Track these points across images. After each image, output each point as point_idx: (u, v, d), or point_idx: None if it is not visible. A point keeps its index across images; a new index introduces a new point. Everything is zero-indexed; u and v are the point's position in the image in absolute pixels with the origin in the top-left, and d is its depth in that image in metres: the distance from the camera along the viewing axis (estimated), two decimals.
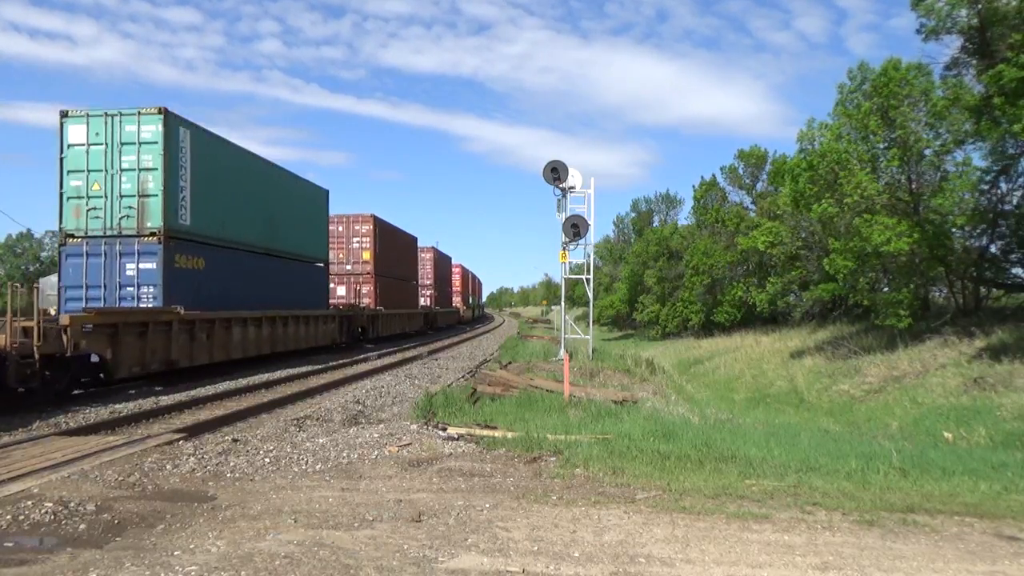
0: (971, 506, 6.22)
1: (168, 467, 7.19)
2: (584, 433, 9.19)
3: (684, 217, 59.35)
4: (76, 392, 13.88)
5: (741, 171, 41.79)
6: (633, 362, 21.75)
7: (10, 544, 5.00)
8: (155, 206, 15.89)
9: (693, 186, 43.35)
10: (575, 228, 20.45)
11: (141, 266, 15.83)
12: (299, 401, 14.01)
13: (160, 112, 15.92)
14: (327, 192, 27.93)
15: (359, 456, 7.95)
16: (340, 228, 32.78)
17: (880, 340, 22.09)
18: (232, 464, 7.44)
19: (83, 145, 15.95)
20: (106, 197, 15.97)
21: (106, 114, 15.96)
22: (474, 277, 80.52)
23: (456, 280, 63.68)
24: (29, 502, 5.81)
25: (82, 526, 5.39)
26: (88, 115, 16.00)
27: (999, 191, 20.82)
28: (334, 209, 29.81)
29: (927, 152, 20.54)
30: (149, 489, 6.47)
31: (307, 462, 7.63)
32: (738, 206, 40.46)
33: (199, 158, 17.24)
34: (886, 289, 23.55)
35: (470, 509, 5.89)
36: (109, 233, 15.94)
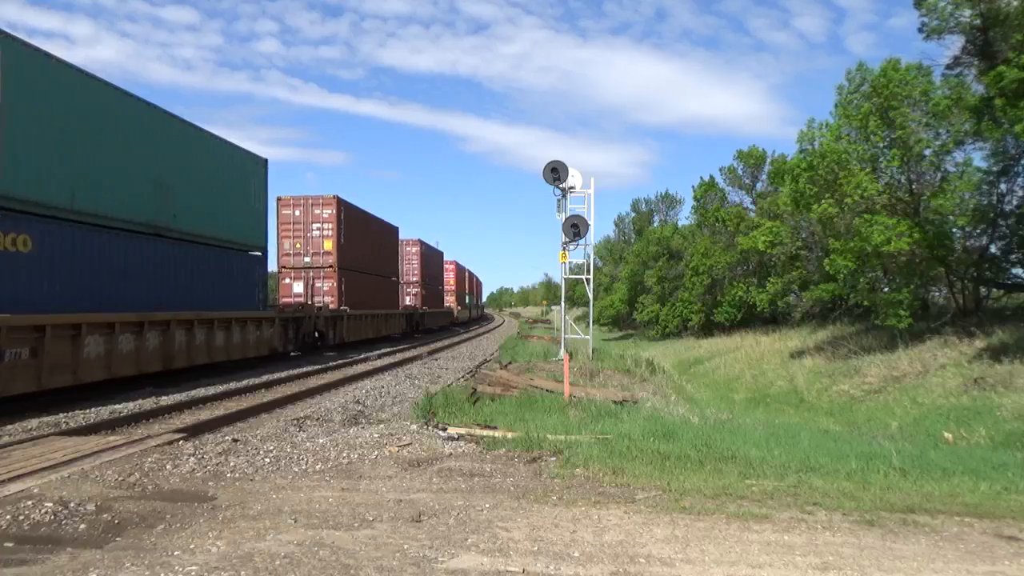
0: (971, 506, 6.22)
1: (168, 467, 7.19)
2: (584, 433, 9.19)
3: (684, 217, 59.50)
4: None
5: (740, 171, 41.80)
6: (633, 362, 21.75)
7: (10, 544, 4.99)
8: None
9: (693, 186, 43.37)
10: (575, 228, 20.46)
11: None
12: (299, 401, 14.01)
13: None
14: (264, 162, 21.71)
15: (359, 456, 7.95)
16: (297, 212, 27.99)
17: (880, 340, 22.09)
18: (232, 464, 7.44)
19: None
20: None
21: None
22: (471, 276, 76.01)
23: (449, 278, 59.70)
24: (29, 502, 5.81)
25: (82, 526, 5.39)
26: None
27: (999, 191, 20.84)
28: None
29: (927, 152, 20.55)
30: (149, 489, 6.47)
31: (307, 462, 7.63)
32: (738, 206, 40.46)
33: (26, 87, 12.17)
34: (886, 289, 23.55)
35: (470, 509, 5.89)
36: None
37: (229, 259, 19.46)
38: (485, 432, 9.37)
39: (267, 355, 20.93)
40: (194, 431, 9.91)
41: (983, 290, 22.77)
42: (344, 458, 7.84)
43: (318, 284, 27.92)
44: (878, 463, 7.65)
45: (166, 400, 13.29)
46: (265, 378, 17.04)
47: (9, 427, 10.31)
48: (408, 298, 43.31)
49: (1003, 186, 20.87)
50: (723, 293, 37.26)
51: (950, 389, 15.93)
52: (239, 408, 12.46)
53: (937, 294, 25.07)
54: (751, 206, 40.47)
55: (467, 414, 11.19)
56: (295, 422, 10.89)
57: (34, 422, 10.80)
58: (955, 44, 21.03)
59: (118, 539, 5.13)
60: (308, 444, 8.52)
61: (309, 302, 26.13)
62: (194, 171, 17.75)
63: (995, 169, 20.50)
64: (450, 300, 58.95)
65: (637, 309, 49.32)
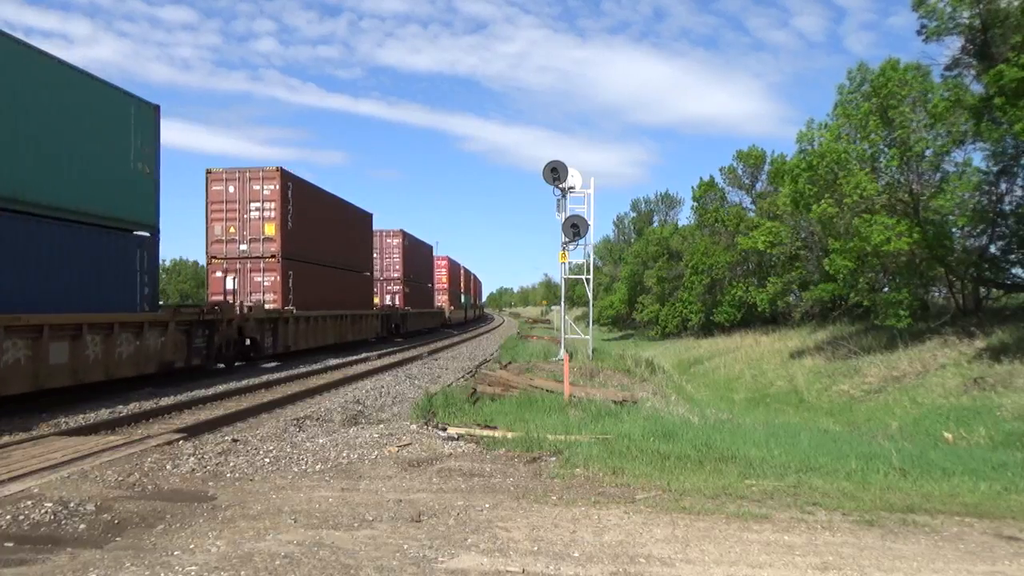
0: (971, 506, 6.22)
1: (168, 467, 7.19)
2: (584, 433, 9.19)
3: (684, 217, 59.56)
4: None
5: (740, 172, 41.82)
6: (633, 362, 21.75)
7: (10, 544, 4.99)
8: None
9: (692, 186, 43.40)
10: (575, 228, 20.46)
11: None
12: (299, 401, 14.01)
13: None
14: (154, 109, 15.89)
15: (359, 456, 7.95)
16: (231, 188, 22.37)
17: (880, 340, 22.10)
18: (232, 464, 7.44)
19: None
20: None
21: None
22: (468, 274, 70.70)
23: (440, 275, 54.11)
24: (29, 502, 5.81)
25: (82, 526, 5.39)
26: None
27: (999, 191, 20.84)
28: None
29: (927, 152, 20.56)
30: (149, 489, 6.47)
31: (307, 462, 7.63)
32: (737, 206, 40.49)
33: None
34: (886, 289, 23.56)
35: (470, 509, 5.89)
36: None
37: (91, 241, 13.72)
38: (485, 432, 9.37)
39: (157, 371, 15.25)
40: (194, 431, 9.92)
41: (983, 290, 22.77)
42: (344, 458, 7.84)
43: (257, 278, 22.21)
44: (878, 463, 7.65)
45: (166, 400, 13.29)
46: (265, 378, 17.03)
47: (9, 427, 10.31)
48: (388, 297, 38.31)
49: (1003, 186, 20.88)
50: (723, 293, 37.27)
51: (950, 389, 15.93)
52: (239, 408, 12.47)
53: (937, 294, 25.08)
54: (751, 206, 40.50)
55: (467, 414, 11.19)
56: (295, 422, 10.89)
57: (34, 422, 10.80)
58: (954, 45, 21.07)
59: (118, 539, 5.13)
60: (308, 444, 8.52)
61: (233, 300, 20.18)
62: (37, 115, 12.57)
63: (995, 169, 20.51)
64: (441, 300, 53.79)
65: (637, 309, 49.33)
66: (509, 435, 9.11)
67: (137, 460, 7.40)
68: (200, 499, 6.15)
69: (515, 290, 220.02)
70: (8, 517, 5.48)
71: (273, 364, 20.88)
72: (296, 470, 7.33)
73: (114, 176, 14.61)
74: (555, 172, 20.24)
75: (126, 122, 15.09)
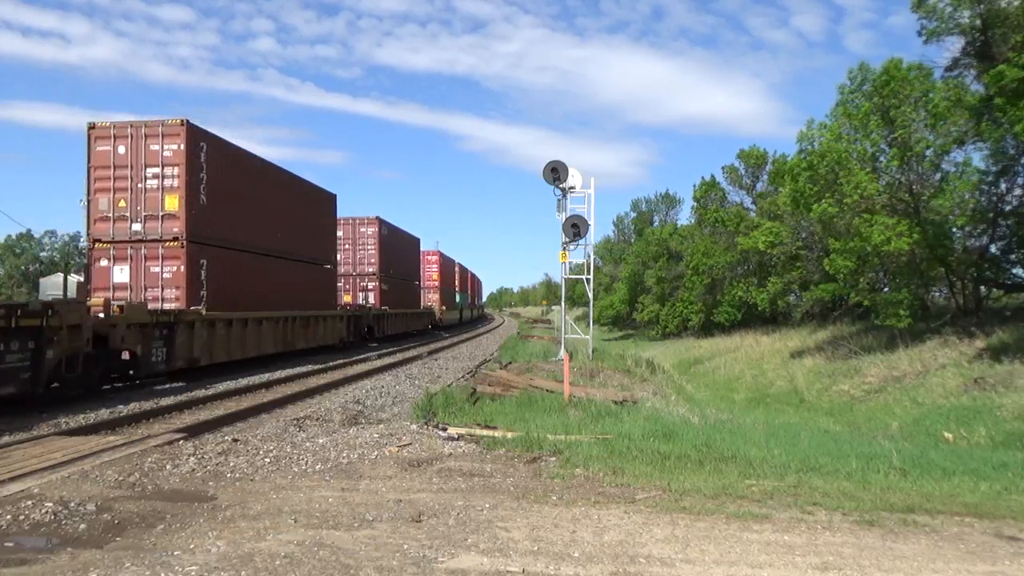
0: (971, 506, 6.22)
1: (168, 467, 7.19)
2: (584, 433, 9.19)
3: (684, 217, 59.57)
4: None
5: (742, 171, 41.84)
6: (633, 362, 21.76)
7: (10, 544, 4.99)
8: None
9: (693, 186, 43.46)
10: (575, 228, 20.46)
11: None
12: (299, 401, 14.01)
13: None
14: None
15: (359, 456, 7.95)
16: (121, 149, 16.84)
17: (880, 340, 22.10)
18: (232, 464, 7.44)
19: None
20: None
21: None
22: (464, 271, 65.11)
23: (430, 272, 48.81)
24: (29, 502, 5.81)
25: (82, 526, 5.39)
26: None
27: (999, 191, 20.84)
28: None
29: (927, 152, 20.55)
30: (149, 489, 6.47)
31: (307, 462, 7.63)
32: (738, 206, 40.51)
33: None
34: (886, 289, 23.56)
35: (470, 509, 5.89)
36: None
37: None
38: (485, 432, 9.37)
39: None
40: (194, 431, 9.92)
41: (983, 290, 22.77)
42: (344, 458, 7.84)
43: (153, 268, 16.92)
44: (878, 463, 7.65)
45: (166, 400, 13.29)
46: (266, 377, 17.03)
47: (9, 427, 10.31)
48: (362, 295, 33.43)
49: (1003, 186, 20.88)
50: (723, 293, 37.28)
51: (950, 389, 15.93)
52: (239, 408, 12.46)
53: (937, 294, 25.08)
54: (751, 206, 40.51)
55: (467, 414, 11.19)
56: (295, 422, 10.89)
57: (34, 422, 10.80)
58: (954, 45, 21.08)
59: (118, 539, 5.13)
60: (308, 444, 8.53)
61: (84, 299, 14.35)
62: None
63: (995, 169, 20.50)
64: (432, 299, 48.51)
65: (637, 309, 49.35)
66: (509, 435, 9.11)
67: (137, 460, 7.40)
68: (200, 499, 6.15)
69: (515, 290, 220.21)
70: (8, 517, 5.48)
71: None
72: (296, 470, 7.33)
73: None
74: (555, 172, 20.24)
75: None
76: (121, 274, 16.97)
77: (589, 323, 23.20)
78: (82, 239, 15.64)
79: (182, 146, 16.85)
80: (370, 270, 34.24)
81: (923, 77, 20.47)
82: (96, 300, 14.33)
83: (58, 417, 11.27)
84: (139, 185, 16.95)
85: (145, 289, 17.02)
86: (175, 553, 4.77)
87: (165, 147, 16.86)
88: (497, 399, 12.67)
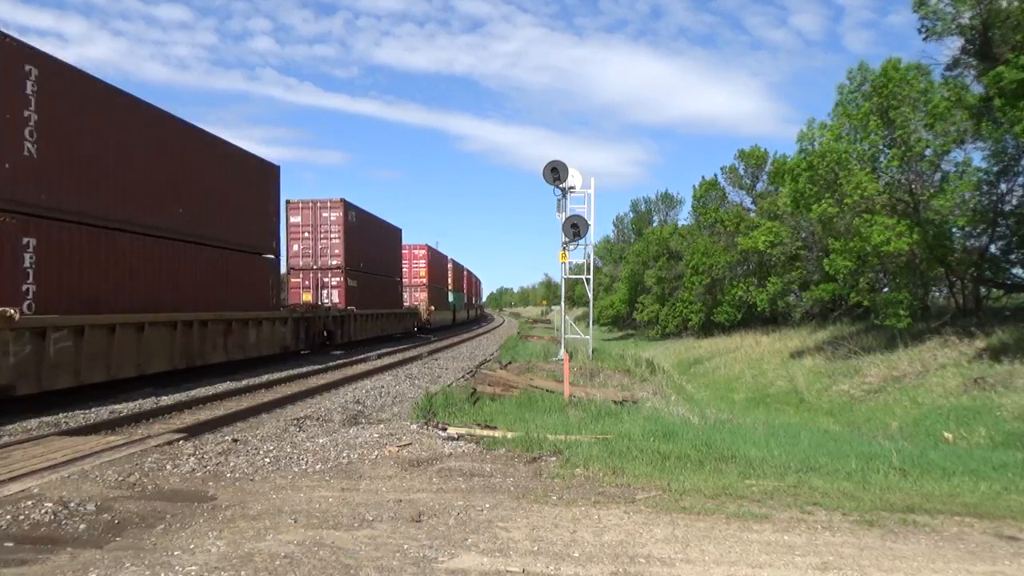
0: (971, 506, 6.22)
1: (168, 467, 7.19)
2: (584, 433, 9.19)
3: (684, 217, 59.59)
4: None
5: (741, 171, 41.88)
6: (633, 362, 21.76)
7: (10, 544, 4.99)
8: None
9: (693, 186, 43.51)
10: (575, 228, 20.46)
11: None
12: (299, 401, 14.00)
13: None
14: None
15: (359, 456, 7.95)
16: None
17: (880, 340, 22.10)
18: (232, 464, 7.44)
19: None
20: None
21: None
22: (459, 269, 60.63)
23: (417, 268, 44.18)
24: (29, 502, 5.81)
25: (82, 526, 5.39)
26: None
27: (999, 191, 20.85)
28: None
29: (927, 152, 20.56)
30: (149, 489, 6.47)
31: (307, 462, 7.63)
32: (738, 206, 40.52)
33: None
34: (886, 289, 23.57)
35: (470, 509, 5.89)
36: None
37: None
38: (485, 432, 9.37)
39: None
40: (194, 431, 9.91)
41: (983, 290, 22.78)
42: (344, 458, 7.84)
43: None
44: (878, 463, 7.66)
45: (166, 400, 13.29)
46: (266, 378, 17.03)
47: (9, 427, 10.31)
48: (326, 294, 28.29)
49: (1003, 186, 20.89)
50: (723, 293, 37.29)
51: (950, 389, 15.93)
52: (239, 408, 12.46)
53: (937, 294, 25.10)
54: (751, 206, 40.52)
55: (467, 414, 11.19)
56: (295, 422, 10.89)
57: (34, 422, 10.80)
58: (954, 45, 21.08)
59: (118, 539, 5.13)
60: (308, 444, 8.53)
61: None
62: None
63: (995, 169, 20.51)
64: (419, 297, 43.91)
65: (637, 309, 49.36)
66: (509, 435, 9.11)
67: (137, 460, 7.40)
68: (200, 499, 6.15)
69: (515, 290, 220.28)
70: (8, 517, 5.48)
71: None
72: (296, 470, 7.33)
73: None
74: (555, 172, 20.24)
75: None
76: None
77: (589, 323, 23.20)
78: None
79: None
80: (334, 263, 28.58)
81: (922, 77, 20.48)
82: None
83: (58, 417, 11.27)
84: None
85: None
86: (175, 553, 4.77)
87: None
88: (497, 399, 12.67)
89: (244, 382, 16.24)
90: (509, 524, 5.51)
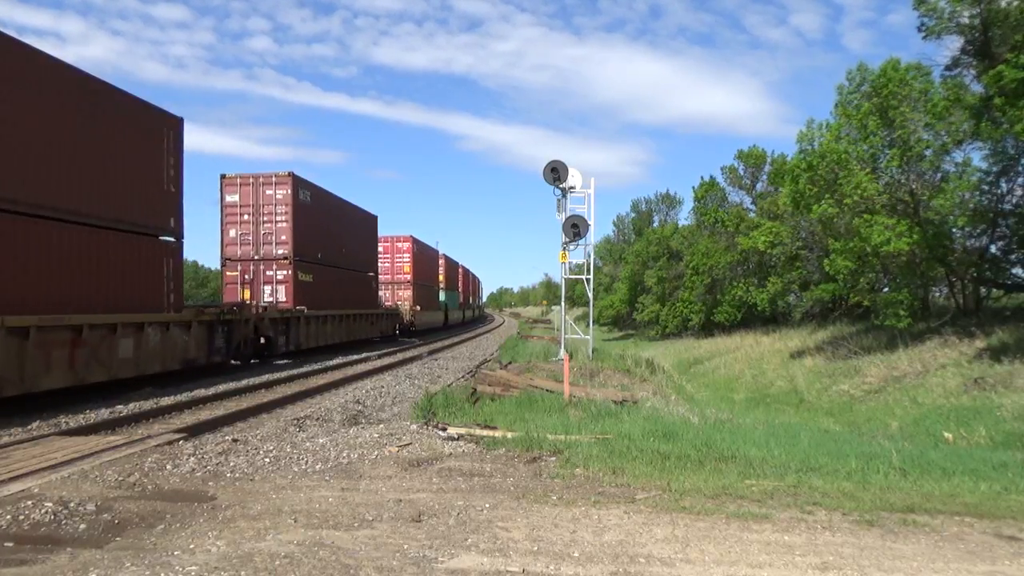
0: (971, 506, 6.22)
1: (168, 467, 7.19)
2: (584, 433, 9.19)
3: (684, 217, 59.56)
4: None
5: (741, 171, 41.86)
6: (633, 362, 21.76)
7: (10, 544, 4.99)
8: None
9: (693, 186, 43.49)
10: (575, 228, 20.46)
11: None
12: (299, 401, 14.01)
13: None
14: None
15: (359, 456, 7.95)
16: None
17: (880, 340, 22.10)
18: (232, 464, 7.44)
19: None
20: None
21: None
22: (452, 265, 55.55)
23: (400, 263, 39.31)
24: (29, 502, 5.81)
25: (82, 526, 5.39)
26: None
27: (999, 191, 20.85)
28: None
29: (927, 152, 20.56)
30: (149, 489, 6.47)
31: (307, 462, 7.63)
32: (738, 206, 40.52)
33: None
34: (886, 289, 23.57)
35: (470, 509, 5.89)
36: None
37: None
38: (485, 432, 9.37)
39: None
40: (194, 431, 9.92)
41: (983, 290, 22.78)
42: (344, 458, 7.84)
43: None
44: (878, 463, 7.65)
45: (166, 400, 13.29)
46: (266, 378, 17.03)
47: (9, 427, 10.31)
48: (268, 288, 23.18)
49: (1003, 186, 20.89)
50: (723, 293, 37.29)
51: (950, 389, 15.93)
52: (239, 408, 12.47)
53: (937, 294, 25.09)
54: (751, 206, 40.52)
55: (467, 414, 11.19)
56: (295, 422, 10.89)
57: (34, 422, 10.80)
58: (954, 44, 21.09)
59: (118, 539, 5.13)
60: (308, 444, 8.53)
61: None
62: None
63: (994, 169, 20.51)
64: (402, 296, 38.82)
65: (637, 309, 49.35)
66: (509, 435, 9.11)
67: (137, 460, 7.41)
68: (200, 499, 6.15)
69: (515, 290, 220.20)
70: (8, 517, 5.48)
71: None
72: (296, 470, 7.33)
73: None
74: (555, 172, 20.24)
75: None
76: None
77: (589, 323, 23.20)
78: None
79: None
80: (279, 252, 23.19)
81: (921, 77, 20.48)
82: None
83: (58, 417, 11.27)
84: None
85: None
86: (175, 553, 4.77)
87: None
88: (497, 399, 12.67)
89: (244, 382, 16.24)
90: (509, 524, 5.51)
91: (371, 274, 32.99)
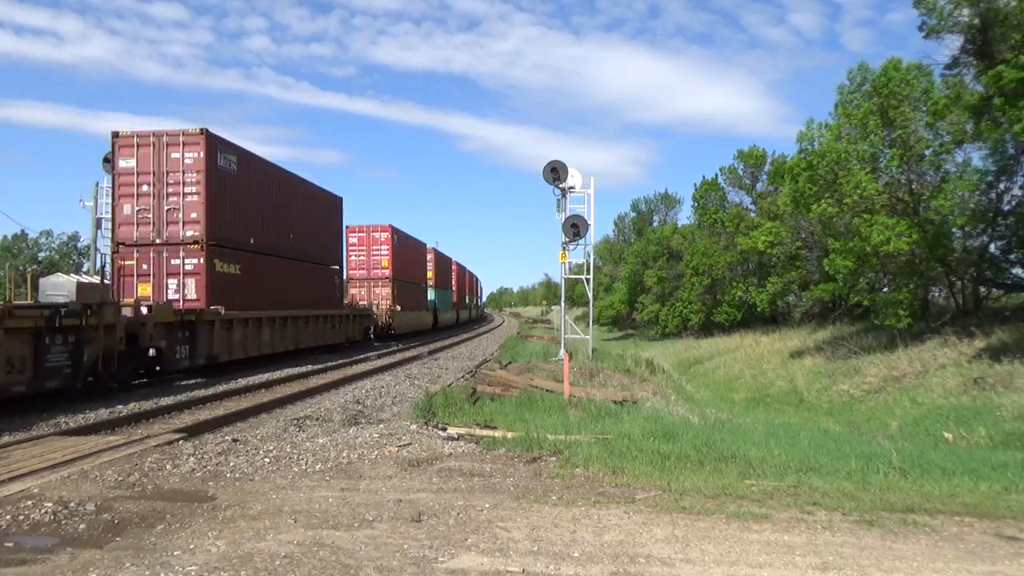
0: (971, 506, 6.22)
1: (168, 467, 7.19)
2: (584, 433, 9.19)
3: (684, 217, 59.60)
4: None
5: (741, 171, 41.84)
6: (633, 362, 21.76)
7: (10, 544, 4.99)
8: None
9: (693, 185, 43.47)
10: (575, 228, 20.46)
11: None
12: (299, 401, 14.01)
13: None
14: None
15: (359, 456, 7.95)
16: None
17: (880, 340, 22.10)
18: (232, 464, 7.44)
19: None
20: None
21: None
22: (443, 261, 51.53)
23: (379, 256, 34.75)
24: (29, 502, 5.81)
25: (82, 526, 5.39)
26: None
27: (998, 191, 20.85)
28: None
29: (927, 152, 20.56)
30: (149, 489, 6.47)
31: (307, 462, 7.63)
32: (738, 206, 40.51)
33: None
34: (886, 289, 23.57)
35: (470, 509, 5.89)
36: None
37: None
38: (485, 432, 9.37)
39: None
40: (194, 431, 9.92)
41: (983, 290, 22.78)
42: (344, 458, 7.84)
43: None
44: (878, 463, 7.65)
45: (166, 400, 13.29)
46: (266, 377, 17.03)
47: (9, 427, 10.31)
48: (175, 283, 17.69)
49: (1002, 186, 20.89)
50: (723, 293, 37.29)
51: (950, 389, 15.93)
52: (239, 408, 12.47)
53: (937, 294, 25.08)
54: (751, 206, 40.51)
55: (467, 414, 11.19)
56: (295, 422, 10.89)
57: (34, 422, 10.80)
58: (954, 43, 21.09)
59: (118, 539, 5.13)
60: (308, 444, 8.52)
61: None
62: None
63: (994, 169, 20.51)
64: (380, 295, 34.31)
65: (637, 309, 49.37)
66: (509, 435, 9.11)
67: (137, 460, 7.40)
68: (200, 499, 6.15)
69: (515, 290, 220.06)
70: (8, 517, 5.48)
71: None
72: (296, 470, 7.33)
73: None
74: (555, 172, 20.24)
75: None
76: None
77: (589, 323, 23.20)
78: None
79: None
80: (189, 234, 17.67)
81: (922, 77, 20.48)
82: None
83: (58, 417, 11.27)
84: None
85: None
86: (175, 553, 4.77)
87: None
88: (497, 399, 12.67)
89: (244, 382, 16.24)
90: (509, 524, 5.51)
91: (334, 267, 27.93)
